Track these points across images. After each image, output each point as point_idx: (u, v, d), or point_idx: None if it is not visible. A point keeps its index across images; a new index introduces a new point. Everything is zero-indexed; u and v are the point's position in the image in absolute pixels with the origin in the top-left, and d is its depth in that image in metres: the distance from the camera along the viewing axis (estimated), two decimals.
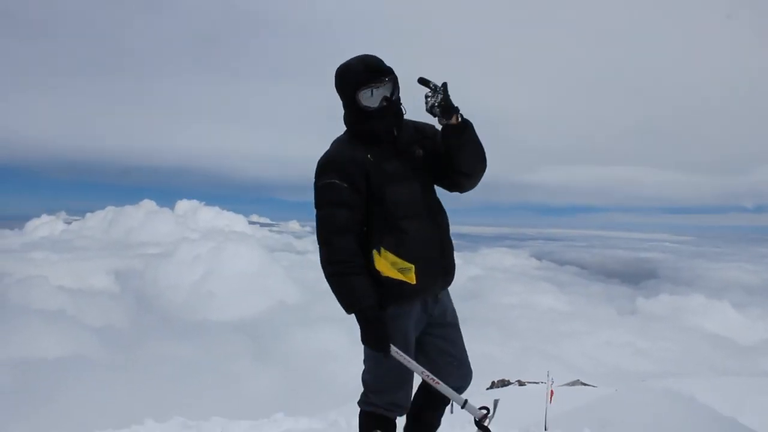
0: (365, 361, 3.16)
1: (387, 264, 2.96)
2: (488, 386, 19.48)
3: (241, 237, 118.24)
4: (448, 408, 3.75)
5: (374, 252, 2.98)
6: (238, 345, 57.77)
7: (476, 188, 3.26)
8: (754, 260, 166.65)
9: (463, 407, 3.08)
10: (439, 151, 3.14)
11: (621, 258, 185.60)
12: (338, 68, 3.06)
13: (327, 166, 3.03)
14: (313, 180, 3.08)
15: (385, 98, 3.00)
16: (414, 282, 2.98)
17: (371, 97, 2.98)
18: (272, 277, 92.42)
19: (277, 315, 72.52)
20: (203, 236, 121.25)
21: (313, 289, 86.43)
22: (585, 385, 21.11)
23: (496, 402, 3.21)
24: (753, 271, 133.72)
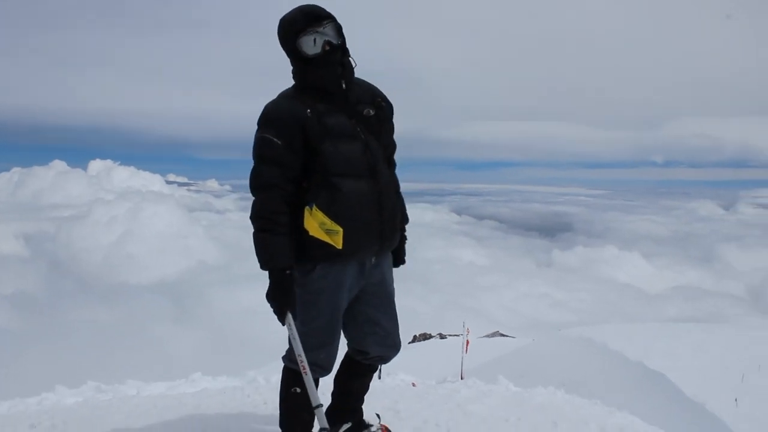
0: (294, 317, 3.03)
1: (315, 223, 2.86)
2: (410, 340, 19.78)
3: (159, 197, 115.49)
4: (376, 374, 3.72)
5: (306, 209, 2.89)
6: (158, 307, 56.87)
7: (396, 144, 3.21)
8: (662, 213, 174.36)
9: (315, 408, 2.94)
10: (387, 129, 3.12)
11: (538, 212, 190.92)
12: (279, 21, 2.95)
13: (264, 120, 2.93)
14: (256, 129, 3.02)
15: (327, 43, 2.89)
16: (339, 246, 2.87)
17: (313, 45, 2.88)
18: (192, 237, 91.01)
19: (197, 275, 71.65)
20: (119, 197, 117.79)
21: (233, 248, 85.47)
22: (504, 336, 21.73)
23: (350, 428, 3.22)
24: (661, 223, 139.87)
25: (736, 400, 5.91)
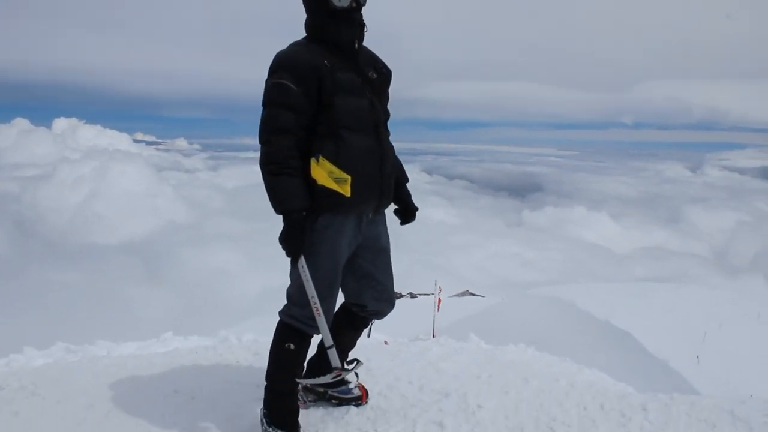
0: (291, 274, 3.06)
1: (323, 172, 2.89)
2: None
3: (127, 156, 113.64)
4: (365, 332, 3.72)
5: (312, 159, 2.90)
6: (127, 268, 56.41)
7: (390, 112, 3.24)
8: (631, 174, 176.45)
9: (328, 348, 3.02)
10: (386, 94, 3.17)
11: (508, 172, 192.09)
12: None
13: (281, 66, 2.92)
14: (266, 77, 2.98)
15: (355, 0, 2.92)
16: (348, 194, 2.91)
17: None
18: (161, 196, 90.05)
19: (167, 235, 71.07)
20: (85, 156, 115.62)
21: (203, 207, 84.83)
22: (474, 295, 21.98)
23: (357, 363, 3.18)
24: (630, 184, 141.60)
25: (698, 357, 6.09)
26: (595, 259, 65.15)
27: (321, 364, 3.19)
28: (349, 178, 2.90)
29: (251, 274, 53.19)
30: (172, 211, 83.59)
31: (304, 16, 3.07)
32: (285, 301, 3.05)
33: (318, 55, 2.92)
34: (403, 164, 3.41)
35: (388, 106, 3.24)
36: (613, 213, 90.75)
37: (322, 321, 2.92)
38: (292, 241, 2.88)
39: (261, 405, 3.06)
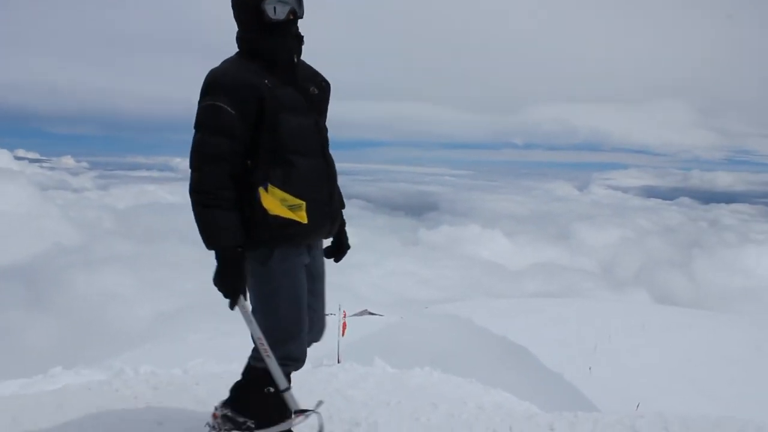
0: (253, 313, 2.79)
1: (275, 201, 2.63)
2: None
3: (7, 174, 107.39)
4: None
5: (260, 189, 2.64)
6: (9, 293, 53.05)
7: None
8: (522, 192, 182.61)
9: (282, 392, 2.77)
10: (326, 110, 2.95)
11: (404, 191, 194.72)
12: None
13: (216, 86, 2.64)
14: (199, 97, 2.69)
15: (292, 12, 2.68)
16: (305, 220, 2.67)
17: (279, 9, 2.65)
18: (46, 217, 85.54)
19: (53, 258, 67.40)
20: None
21: (93, 228, 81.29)
22: (372, 314, 22.01)
23: (318, 404, 2.98)
24: (521, 202, 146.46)
25: (590, 368, 6.31)
26: (490, 276, 66.78)
27: (267, 404, 2.90)
28: (304, 204, 2.68)
29: (144, 298, 51.26)
30: (58, 233, 79.46)
31: (234, 29, 2.82)
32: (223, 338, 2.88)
33: (256, 73, 2.68)
34: None
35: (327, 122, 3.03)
36: (507, 231, 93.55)
37: (272, 363, 2.68)
38: (227, 281, 2.62)
39: None
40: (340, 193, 3.01)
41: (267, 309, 2.75)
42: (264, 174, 2.65)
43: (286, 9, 2.67)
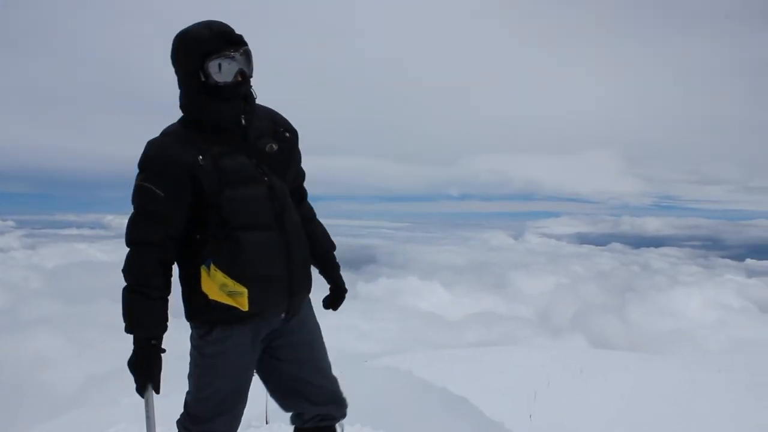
0: (188, 377, 2.68)
1: (215, 286, 2.46)
2: None
3: None
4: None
5: (203, 268, 2.48)
6: None
7: (305, 172, 2.89)
8: (459, 242, 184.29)
9: None
10: (295, 161, 2.78)
11: (344, 245, 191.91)
12: (177, 35, 2.47)
13: (146, 164, 2.49)
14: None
15: (240, 72, 2.47)
16: (245, 308, 2.48)
17: (224, 70, 2.43)
18: None
19: None
20: None
21: (19, 289, 78.13)
22: None
23: None
24: (459, 253, 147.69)
25: (530, 416, 6.23)
26: (429, 327, 66.65)
27: None
28: (246, 291, 2.47)
29: (74, 360, 49.20)
30: None
31: (176, 90, 2.57)
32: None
33: (191, 147, 2.47)
34: None
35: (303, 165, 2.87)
36: (445, 281, 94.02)
37: None
38: (137, 370, 2.53)
39: None
40: (308, 257, 2.84)
41: (200, 381, 2.64)
42: (208, 252, 2.51)
43: (234, 69, 2.47)
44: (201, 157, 2.47)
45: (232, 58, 2.46)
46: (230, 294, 2.47)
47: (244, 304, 2.49)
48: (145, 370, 2.51)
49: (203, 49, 2.44)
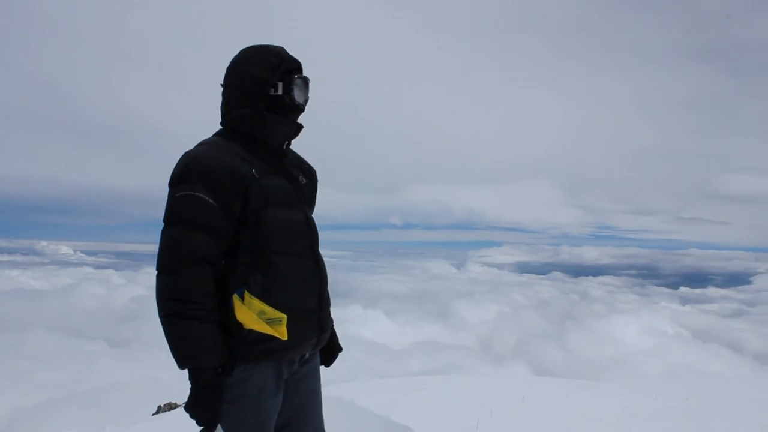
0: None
1: (251, 314, 2.25)
2: (154, 411, 18.52)
3: None
4: None
5: (235, 297, 2.28)
6: None
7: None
8: (401, 271, 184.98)
9: None
10: (315, 200, 2.65)
11: None
12: (251, 47, 2.42)
13: (194, 173, 2.27)
14: (169, 186, 2.32)
15: (306, 100, 2.47)
16: (285, 337, 2.30)
17: (302, 90, 2.40)
18: None
19: None
20: None
21: None
22: None
23: None
24: (401, 281, 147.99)
25: None
26: (372, 356, 66.34)
27: None
28: (285, 317, 2.29)
29: (2, 392, 47.29)
30: None
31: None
32: None
33: (242, 159, 2.33)
34: None
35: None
36: (387, 310, 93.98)
37: None
38: (205, 408, 2.25)
39: None
40: (329, 297, 2.68)
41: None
42: (242, 278, 2.31)
43: (306, 93, 2.46)
44: (254, 169, 2.34)
45: (308, 83, 2.47)
46: (269, 322, 2.28)
47: (283, 333, 2.31)
48: (213, 403, 2.26)
49: (287, 66, 2.42)
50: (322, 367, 2.78)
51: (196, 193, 2.26)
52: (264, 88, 2.40)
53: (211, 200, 2.26)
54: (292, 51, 2.45)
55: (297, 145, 2.68)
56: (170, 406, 20.37)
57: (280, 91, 2.40)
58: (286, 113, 2.45)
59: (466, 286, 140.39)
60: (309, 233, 2.49)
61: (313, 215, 2.64)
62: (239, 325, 2.30)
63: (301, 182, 2.54)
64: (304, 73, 2.50)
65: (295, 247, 2.41)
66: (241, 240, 2.33)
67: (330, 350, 2.82)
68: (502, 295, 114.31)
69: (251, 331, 2.29)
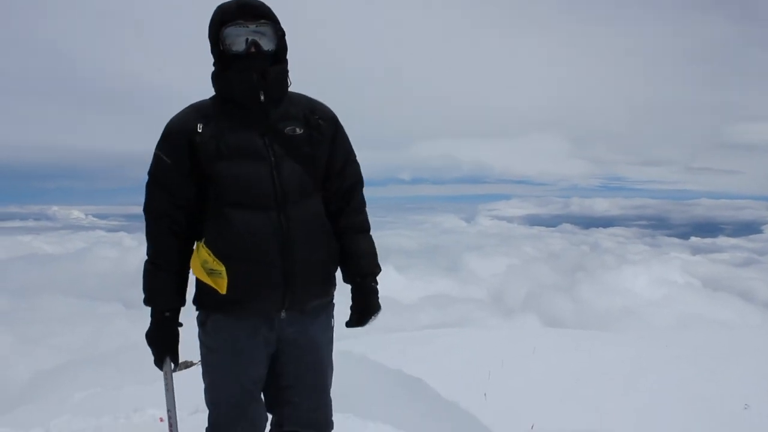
0: (202, 377, 2.58)
1: (198, 262, 2.37)
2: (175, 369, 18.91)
3: None
4: None
5: (197, 244, 2.43)
6: None
7: (356, 175, 2.72)
8: (411, 227, 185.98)
9: None
10: (326, 153, 2.59)
11: None
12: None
13: (162, 134, 2.47)
14: None
15: (254, 44, 2.36)
16: (223, 291, 2.33)
17: (236, 38, 2.36)
18: None
19: None
20: None
21: None
22: None
23: None
24: (411, 237, 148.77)
25: (485, 394, 6.30)
26: (383, 311, 66.85)
27: None
28: (224, 269, 2.31)
29: (21, 356, 48.07)
30: None
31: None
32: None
33: (201, 117, 2.41)
34: None
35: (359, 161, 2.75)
36: (398, 265, 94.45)
37: None
38: (154, 344, 2.50)
39: None
40: (326, 258, 2.59)
41: (211, 381, 2.56)
42: (201, 229, 2.44)
43: (244, 38, 2.38)
44: (201, 125, 2.41)
45: (245, 27, 2.37)
46: (210, 273, 2.35)
47: (222, 286, 2.34)
48: (161, 342, 2.49)
49: (222, 18, 2.39)
50: (338, 322, 2.77)
51: (157, 151, 2.45)
52: (214, 47, 2.44)
53: (165, 157, 2.42)
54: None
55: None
56: (186, 365, 20.72)
57: (221, 47, 2.41)
58: (239, 66, 2.39)
59: (476, 240, 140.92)
60: (274, 184, 2.41)
61: (348, 166, 2.69)
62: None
63: (290, 133, 2.48)
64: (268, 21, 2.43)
65: (250, 198, 2.38)
66: (203, 193, 2.44)
67: (361, 309, 2.81)
68: (512, 248, 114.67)
69: (198, 279, 2.44)
